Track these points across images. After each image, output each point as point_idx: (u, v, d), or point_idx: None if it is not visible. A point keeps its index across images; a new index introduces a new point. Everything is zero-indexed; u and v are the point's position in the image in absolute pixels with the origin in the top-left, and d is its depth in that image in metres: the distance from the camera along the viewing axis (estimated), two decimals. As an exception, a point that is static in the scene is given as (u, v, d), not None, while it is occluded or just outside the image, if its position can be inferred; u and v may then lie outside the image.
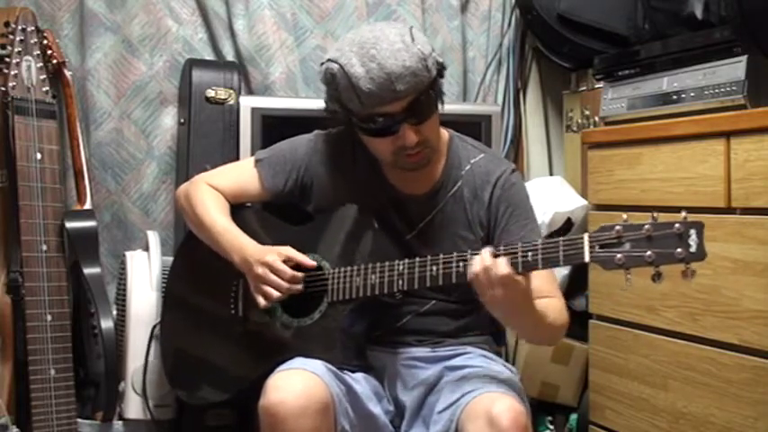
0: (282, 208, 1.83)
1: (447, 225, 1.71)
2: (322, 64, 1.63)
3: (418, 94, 1.56)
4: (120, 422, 2.10)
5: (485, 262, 1.42)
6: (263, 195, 1.80)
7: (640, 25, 2.23)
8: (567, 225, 2.30)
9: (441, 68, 1.62)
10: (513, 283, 1.40)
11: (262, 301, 1.66)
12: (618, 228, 1.35)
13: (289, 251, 1.66)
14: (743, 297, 1.68)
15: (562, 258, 1.40)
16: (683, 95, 1.91)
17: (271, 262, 1.63)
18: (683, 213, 1.32)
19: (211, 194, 1.79)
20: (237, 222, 1.76)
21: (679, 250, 1.30)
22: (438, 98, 1.64)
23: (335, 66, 1.58)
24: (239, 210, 1.80)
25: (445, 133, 1.78)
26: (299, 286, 1.64)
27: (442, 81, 1.65)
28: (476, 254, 1.47)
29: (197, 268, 1.87)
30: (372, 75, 1.52)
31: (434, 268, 1.53)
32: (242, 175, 1.82)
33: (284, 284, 1.63)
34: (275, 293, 1.63)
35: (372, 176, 1.75)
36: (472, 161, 1.75)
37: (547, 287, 1.65)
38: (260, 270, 1.64)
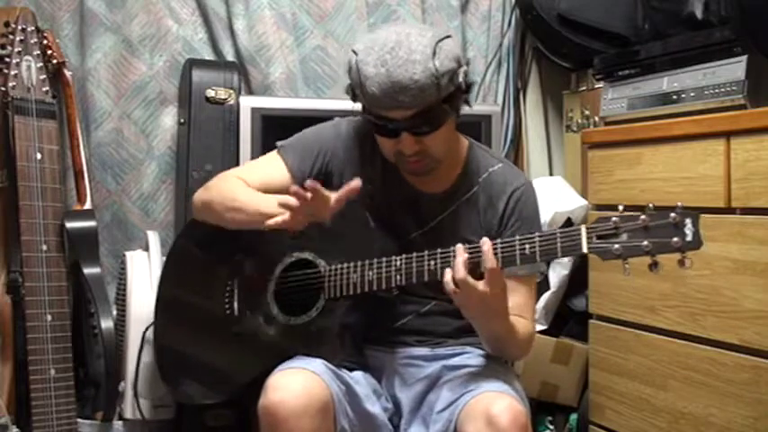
0: None
1: (457, 227, 1.71)
2: (352, 50, 1.62)
3: (424, 108, 1.55)
4: (120, 422, 2.10)
5: (461, 264, 1.45)
6: (289, 182, 1.71)
7: (640, 25, 2.23)
8: (567, 225, 2.30)
9: (460, 86, 1.58)
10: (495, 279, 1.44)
11: (270, 223, 1.55)
12: (615, 219, 1.37)
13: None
14: (743, 297, 1.67)
15: (560, 250, 1.41)
16: (683, 95, 1.91)
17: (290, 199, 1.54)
18: (679, 203, 1.34)
19: (239, 181, 1.73)
20: None
21: (675, 239, 1.32)
22: (450, 113, 1.61)
23: (354, 58, 1.58)
24: None
25: (464, 140, 1.78)
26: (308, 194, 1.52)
27: (466, 96, 1.63)
28: (475, 247, 1.48)
29: (190, 268, 1.86)
30: (379, 80, 1.52)
31: (432, 263, 1.53)
32: (266, 166, 1.78)
33: (289, 213, 1.53)
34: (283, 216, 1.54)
35: (389, 171, 1.74)
36: (491, 169, 1.75)
37: (525, 308, 1.68)
38: (281, 200, 1.55)
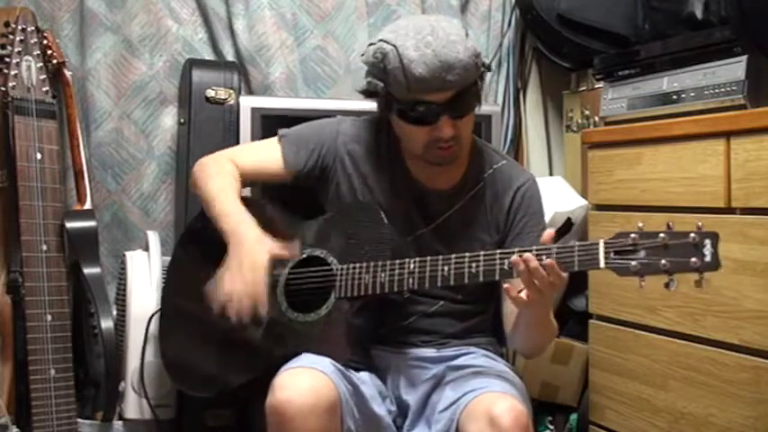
0: (291, 202, 1.83)
1: (464, 223, 1.72)
2: (371, 44, 1.63)
3: (463, 89, 1.58)
4: (120, 422, 2.09)
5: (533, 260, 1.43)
6: (283, 173, 1.77)
7: (640, 25, 2.23)
8: (567, 225, 2.29)
9: (488, 68, 1.66)
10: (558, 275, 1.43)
11: (218, 311, 1.63)
12: (634, 235, 1.36)
13: (275, 251, 1.62)
14: (743, 297, 1.67)
15: (577, 263, 1.41)
16: (683, 95, 1.91)
17: (251, 292, 1.60)
18: (699, 223, 1.34)
19: (227, 171, 1.76)
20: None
21: (694, 260, 1.32)
22: (479, 96, 1.65)
23: (389, 47, 1.58)
24: (247, 202, 1.79)
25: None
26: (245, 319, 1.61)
27: (482, 84, 1.67)
28: (490, 254, 1.49)
29: (201, 262, 1.86)
30: (426, 60, 1.53)
31: (446, 268, 1.53)
32: (264, 151, 1.81)
33: (245, 309, 1.60)
34: (232, 310, 1.61)
35: (395, 167, 1.75)
36: (495, 166, 1.77)
37: None
38: (238, 286, 1.60)
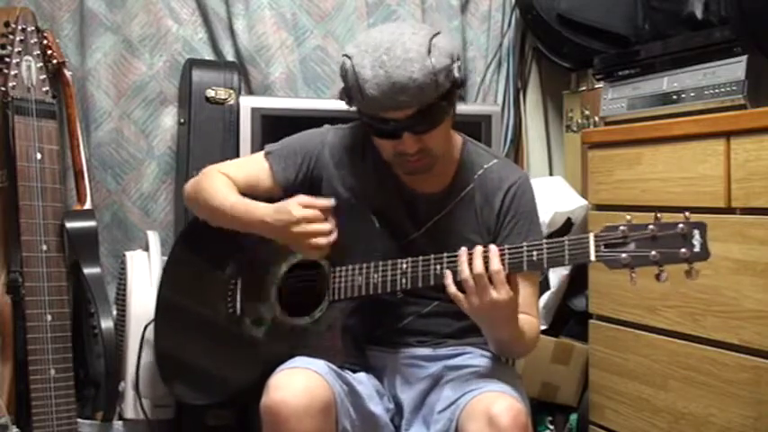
0: None
1: (455, 227, 1.71)
2: (343, 55, 1.62)
3: (423, 106, 1.54)
4: (120, 422, 2.10)
5: (477, 268, 1.44)
6: (273, 188, 1.76)
7: (640, 25, 2.23)
8: (567, 225, 2.30)
9: (456, 81, 1.58)
10: (503, 286, 1.44)
11: (316, 254, 1.61)
12: (623, 228, 1.37)
13: (301, 199, 1.60)
14: (743, 297, 1.68)
15: (567, 258, 1.41)
16: (683, 95, 1.91)
17: (300, 217, 1.57)
18: (686, 213, 1.34)
19: (222, 178, 1.76)
20: None
21: (683, 250, 1.32)
22: (448, 110, 1.61)
23: (348, 62, 1.57)
24: None
25: (458, 138, 1.77)
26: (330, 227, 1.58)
27: (460, 91, 1.62)
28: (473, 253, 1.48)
29: (193, 267, 1.86)
30: (378, 81, 1.51)
31: (438, 267, 1.53)
32: (253, 168, 1.79)
33: (327, 227, 1.57)
34: (323, 241, 1.57)
35: (382, 172, 1.74)
36: (485, 166, 1.75)
37: (530, 304, 1.67)
38: (297, 229, 1.57)
